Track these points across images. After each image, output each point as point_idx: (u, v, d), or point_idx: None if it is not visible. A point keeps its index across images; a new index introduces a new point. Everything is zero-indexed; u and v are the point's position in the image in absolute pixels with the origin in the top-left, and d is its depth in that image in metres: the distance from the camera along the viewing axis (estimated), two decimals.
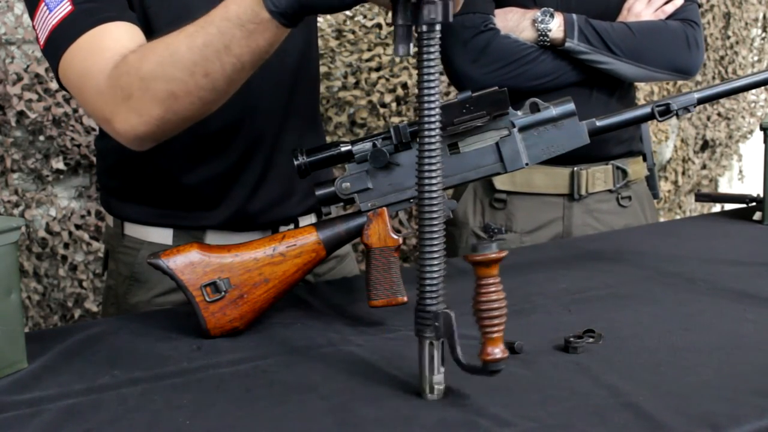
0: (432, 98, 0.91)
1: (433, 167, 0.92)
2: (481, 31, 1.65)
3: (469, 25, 1.66)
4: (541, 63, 1.66)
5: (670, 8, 1.73)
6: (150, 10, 1.25)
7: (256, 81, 1.32)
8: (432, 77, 0.91)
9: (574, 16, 1.66)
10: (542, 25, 1.65)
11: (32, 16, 1.18)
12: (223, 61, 1.02)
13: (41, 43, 1.17)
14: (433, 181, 0.92)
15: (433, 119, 0.92)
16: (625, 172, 1.78)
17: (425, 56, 0.91)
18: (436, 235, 0.93)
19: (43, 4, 1.16)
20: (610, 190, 1.78)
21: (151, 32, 1.21)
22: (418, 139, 0.94)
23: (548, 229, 1.77)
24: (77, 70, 1.14)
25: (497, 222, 1.77)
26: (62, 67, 1.15)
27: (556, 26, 1.65)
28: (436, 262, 0.93)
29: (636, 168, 1.82)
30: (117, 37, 1.13)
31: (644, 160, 1.85)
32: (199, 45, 1.02)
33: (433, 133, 0.92)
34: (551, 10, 1.66)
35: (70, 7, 1.14)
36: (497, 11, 1.69)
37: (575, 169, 1.74)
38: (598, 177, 1.76)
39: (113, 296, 1.44)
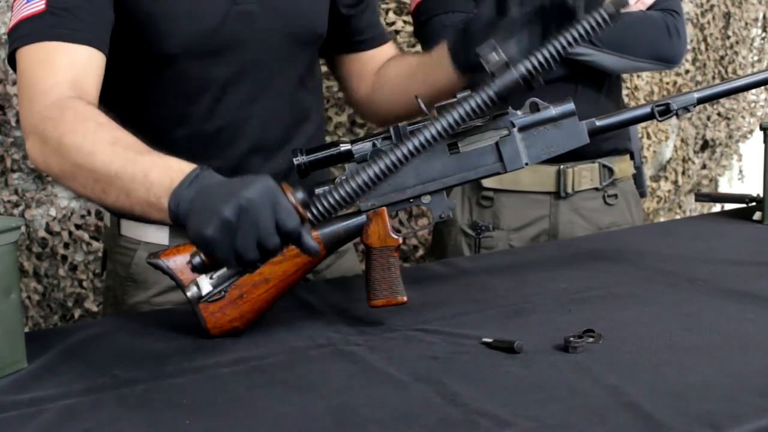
0: None
1: None
2: None
3: (448, 24, 1.65)
4: None
5: (649, 0, 1.73)
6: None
7: (253, 88, 1.32)
8: None
9: None
10: None
11: None
12: (120, 197, 1.04)
13: (8, 26, 1.21)
14: None
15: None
16: (611, 171, 1.79)
17: None
18: None
19: None
20: (596, 188, 1.79)
21: (157, 34, 1.24)
22: None
23: (535, 226, 1.78)
24: (23, 74, 1.17)
25: (485, 219, 1.78)
26: (16, 59, 1.19)
27: None
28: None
29: (622, 166, 1.83)
30: (73, 60, 1.16)
31: (632, 158, 1.86)
32: (112, 171, 1.03)
33: None
34: None
35: (42, 6, 1.17)
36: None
37: (561, 167, 1.74)
38: (584, 175, 1.77)
39: (112, 297, 1.44)
